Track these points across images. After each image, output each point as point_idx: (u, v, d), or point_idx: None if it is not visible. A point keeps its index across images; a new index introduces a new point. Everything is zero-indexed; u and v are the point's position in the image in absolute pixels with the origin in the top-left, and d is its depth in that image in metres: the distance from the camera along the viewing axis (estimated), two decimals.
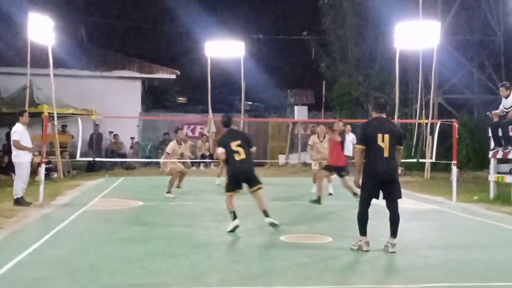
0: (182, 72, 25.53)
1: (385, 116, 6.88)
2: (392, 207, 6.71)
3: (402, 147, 6.94)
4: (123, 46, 29.57)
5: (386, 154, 6.56)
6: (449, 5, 21.72)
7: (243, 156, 7.93)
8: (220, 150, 8.00)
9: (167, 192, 12.11)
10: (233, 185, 8.01)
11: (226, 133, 8.37)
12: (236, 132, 8.84)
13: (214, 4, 32.72)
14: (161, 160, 13.53)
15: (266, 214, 7.95)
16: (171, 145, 12.69)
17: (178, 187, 12.83)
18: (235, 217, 7.84)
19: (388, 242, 6.67)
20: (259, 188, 8.00)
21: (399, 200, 6.72)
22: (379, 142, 6.56)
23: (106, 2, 31.98)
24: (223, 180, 14.75)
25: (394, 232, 6.68)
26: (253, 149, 8.66)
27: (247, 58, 22.51)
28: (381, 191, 6.70)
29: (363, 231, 6.67)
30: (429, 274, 5.67)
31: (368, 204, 6.73)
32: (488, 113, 12.90)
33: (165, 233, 7.85)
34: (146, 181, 16.59)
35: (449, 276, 5.59)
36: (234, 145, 7.95)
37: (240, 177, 8.00)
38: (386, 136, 6.58)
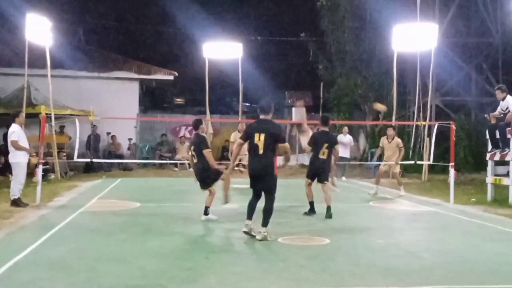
0: (180, 73, 25.50)
1: (268, 118, 7.58)
2: (266, 199, 7.37)
3: (285, 144, 7.52)
4: (121, 47, 29.54)
5: (260, 152, 7.28)
6: (446, 8, 21.77)
7: None
8: None
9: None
10: None
11: None
12: None
13: (212, 5, 32.70)
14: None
15: None
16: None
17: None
18: None
19: (259, 231, 7.22)
20: None
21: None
22: (256, 140, 7.33)
23: (104, 3, 31.95)
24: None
25: (264, 223, 7.28)
26: None
27: (245, 60, 22.44)
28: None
29: (248, 215, 7.41)
30: (426, 276, 5.67)
31: (254, 193, 7.45)
32: (485, 115, 12.92)
33: (163, 235, 7.85)
34: (144, 182, 16.57)
35: (446, 278, 5.60)
36: None
37: None
38: (262, 136, 7.31)
